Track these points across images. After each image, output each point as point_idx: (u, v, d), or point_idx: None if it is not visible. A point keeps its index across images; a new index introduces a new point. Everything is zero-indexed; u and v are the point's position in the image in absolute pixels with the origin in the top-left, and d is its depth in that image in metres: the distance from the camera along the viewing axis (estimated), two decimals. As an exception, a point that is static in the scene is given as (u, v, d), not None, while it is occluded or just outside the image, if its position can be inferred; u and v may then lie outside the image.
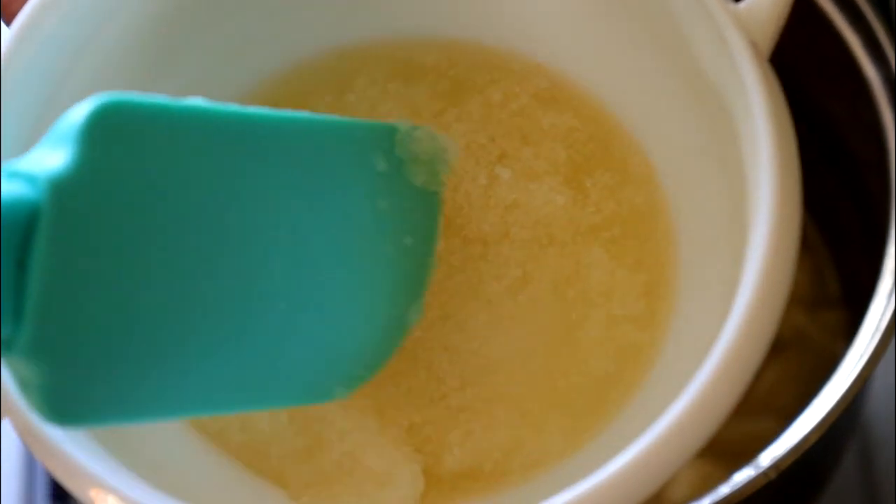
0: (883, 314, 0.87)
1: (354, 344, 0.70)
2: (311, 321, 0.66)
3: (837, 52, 0.95)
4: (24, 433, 0.67)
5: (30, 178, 0.53)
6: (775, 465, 0.82)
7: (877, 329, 0.86)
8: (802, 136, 1.09)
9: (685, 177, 0.75)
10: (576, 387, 0.75)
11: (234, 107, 0.62)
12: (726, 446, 1.02)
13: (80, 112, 0.55)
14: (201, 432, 0.75)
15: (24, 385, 0.55)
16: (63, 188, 0.53)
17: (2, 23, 0.75)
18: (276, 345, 0.65)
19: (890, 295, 0.87)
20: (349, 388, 0.71)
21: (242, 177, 0.61)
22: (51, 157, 0.54)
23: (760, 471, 0.82)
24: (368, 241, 0.70)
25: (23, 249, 0.52)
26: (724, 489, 0.82)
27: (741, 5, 0.68)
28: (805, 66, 1.04)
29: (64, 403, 0.56)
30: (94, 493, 0.65)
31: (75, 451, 0.66)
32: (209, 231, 0.60)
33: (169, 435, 0.74)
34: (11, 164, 0.54)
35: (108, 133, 0.55)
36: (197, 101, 0.61)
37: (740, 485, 0.82)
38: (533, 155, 0.79)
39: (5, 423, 0.68)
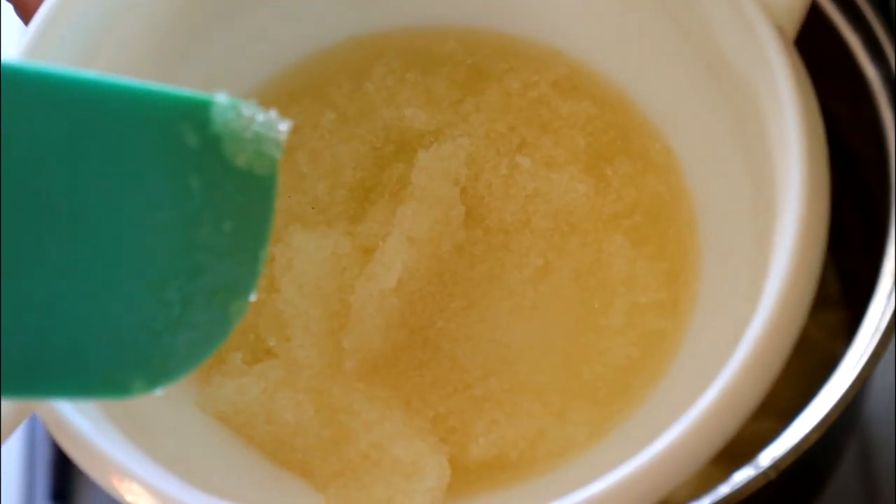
0: (882, 314, 0.87)
1: (153, 337, 0.63)
2: (96, 305, 0.60)
3: (838, 51, 0.96)
4: (51, 423, 0.66)
5: None
6: (775, 465, 0.83)
7: (876, 329, 0.87)
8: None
9: (707, 163, 0.75)
10: (599, 375, 0.74)
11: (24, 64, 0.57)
12: (727, 446, 1.02)
13: None
14: (225, 424, 0.74)
15: None
16: None
17: (11, 24, 0.74)
18: (56, 326, 0.59)
19: (890, 295, 0.88)
20: (153, 384, 0.63)
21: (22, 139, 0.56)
22: None
23: (760, 471, 0.82)
24: (172, 223, 0.63)
25: None
26: (724, 489, 0.82)
27: None
28: (805, 65, 1.05)
29: None
30: (117, 482, 0.65)
31: (100, 440, 0.65)
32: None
33: (193, 427, 0.73)
34: None
35: None
36: None
37: (740, 485, 0.82)
38: (553, 143, 0.78)
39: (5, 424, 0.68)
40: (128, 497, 0.64)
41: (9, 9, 0.76)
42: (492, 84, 0.80)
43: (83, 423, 0.65)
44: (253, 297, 0.65)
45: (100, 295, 0.60)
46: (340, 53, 0.81)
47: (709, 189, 0.75)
